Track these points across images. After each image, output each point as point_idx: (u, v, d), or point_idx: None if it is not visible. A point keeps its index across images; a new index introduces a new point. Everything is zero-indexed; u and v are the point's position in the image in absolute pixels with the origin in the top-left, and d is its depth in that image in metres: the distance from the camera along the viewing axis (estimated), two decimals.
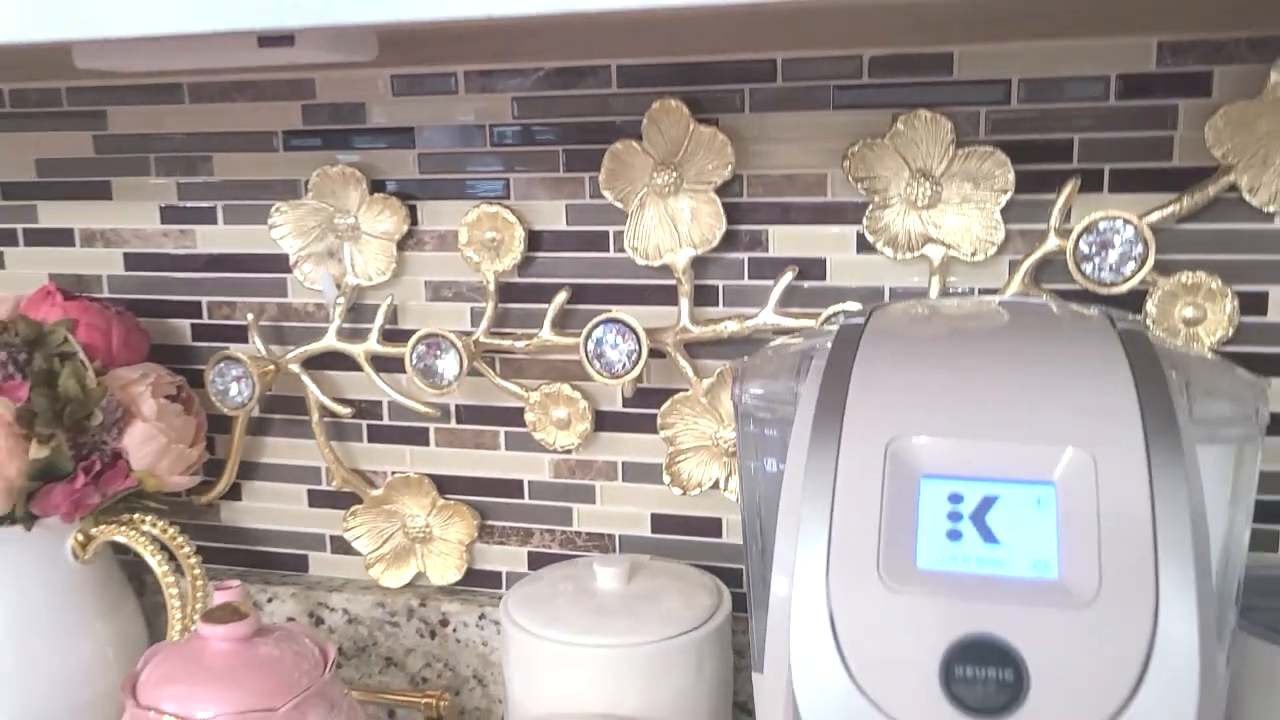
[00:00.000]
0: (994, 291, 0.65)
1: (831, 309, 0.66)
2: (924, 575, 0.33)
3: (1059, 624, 0.31)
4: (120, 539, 0.70)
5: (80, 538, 0.70)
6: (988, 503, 0.34)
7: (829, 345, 0.44)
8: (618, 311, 0.67)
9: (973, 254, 0.63)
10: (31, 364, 0.67)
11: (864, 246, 0.66)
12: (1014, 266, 0.64)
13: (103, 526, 0.70)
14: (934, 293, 0.65)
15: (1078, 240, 0.59)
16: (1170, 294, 0.61)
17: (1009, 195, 0.62)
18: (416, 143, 0.73)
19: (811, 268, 0.68)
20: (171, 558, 0.71)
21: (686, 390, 0.70)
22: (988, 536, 0.34)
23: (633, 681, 0.59)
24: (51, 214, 0.81)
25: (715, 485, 0.71)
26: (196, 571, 0.71)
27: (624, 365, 0.66)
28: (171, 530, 0.71)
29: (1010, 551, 0.33)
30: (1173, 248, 0.61)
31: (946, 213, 0.63)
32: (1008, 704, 0.30)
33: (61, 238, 0.81)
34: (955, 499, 0.34)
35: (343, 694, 0.60)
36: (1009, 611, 0.32)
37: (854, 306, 0.65)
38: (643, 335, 0.66)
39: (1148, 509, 0.32)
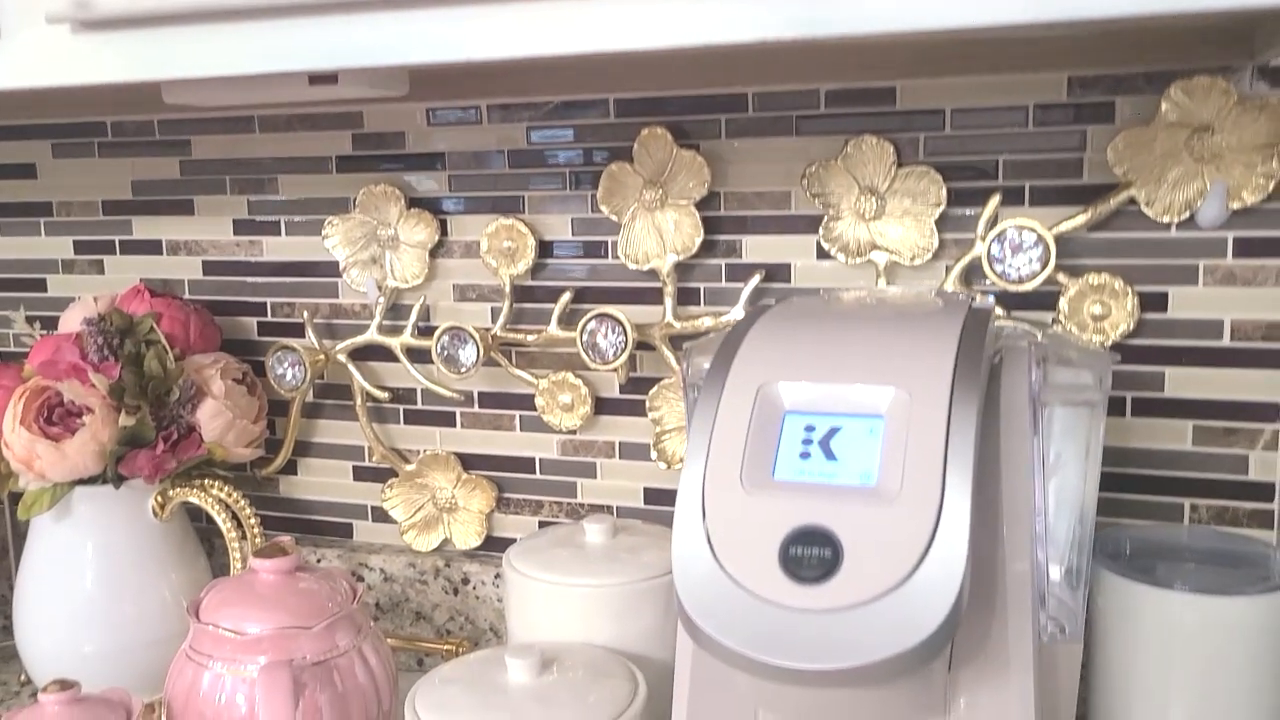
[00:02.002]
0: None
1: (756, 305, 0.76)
2: (777, 484, 0.43)
3: (868, 516, 0.41)
4: (193, 500, 0.83)
5: (159, 498, 0.83)
6: (833, 431, 0.44)
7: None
8: (609, 309, 0.78)
9: (912, 259, 0.73)
10: (123, 348, 0.81)
11: (821, 253, 0.76)
12: (948, 270, 0.73)
13: (178, 489, 0.83)
14: None
15: (990, 245, 0.69)
16: (1080, 293, 0.70)
17: (942, 208, 0.72)
18: (447, 165, 0.85)
19: (778, 271, 0.78)
20: (235, 519, 0.83)
21: (670, 378, 0.80)
22: (829, 455, 0.44)
23: (608, 618, 0.69)
24: (143, 227, 0.95)
25: None
26: (256, 531, 0.83)
27: (614, 353, 0.77)
28: (236, 495, 0.83)
29: (844, 467, 0.43)
30: (1082, 253, 0.70)
31: (890, 223, 0.73)
32: (826, 574, 0.40)
33: (151, 247, 0.95)
34: (809, 429, 0.45)
35: (368, 622, 0.72)
36: (834, 508, 0.42)
37: None
38: (629, 328, 0.77)
39: (943, 434, 0.42)
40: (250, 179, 0.91)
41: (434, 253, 0.86)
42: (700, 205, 0.78)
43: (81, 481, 0.80)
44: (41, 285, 0.99)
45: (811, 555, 0.41)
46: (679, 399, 0.80)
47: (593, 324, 0.78)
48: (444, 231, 0.86)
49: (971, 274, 0.73)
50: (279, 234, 0.91)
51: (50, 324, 0.91)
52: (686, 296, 0.80)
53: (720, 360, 0.48)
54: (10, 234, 0.99)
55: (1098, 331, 0.69)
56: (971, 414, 0.42)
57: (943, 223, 0.73)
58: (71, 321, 0.85)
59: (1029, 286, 0.69)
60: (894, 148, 0.73)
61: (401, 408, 0.90)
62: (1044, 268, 0.68)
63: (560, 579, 0.70)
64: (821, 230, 0.75)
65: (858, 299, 0.55)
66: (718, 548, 0.43)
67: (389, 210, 0.86)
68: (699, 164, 0.77)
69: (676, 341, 0.80)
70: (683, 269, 0.80)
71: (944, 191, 0.72)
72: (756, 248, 0.78)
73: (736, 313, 0.77)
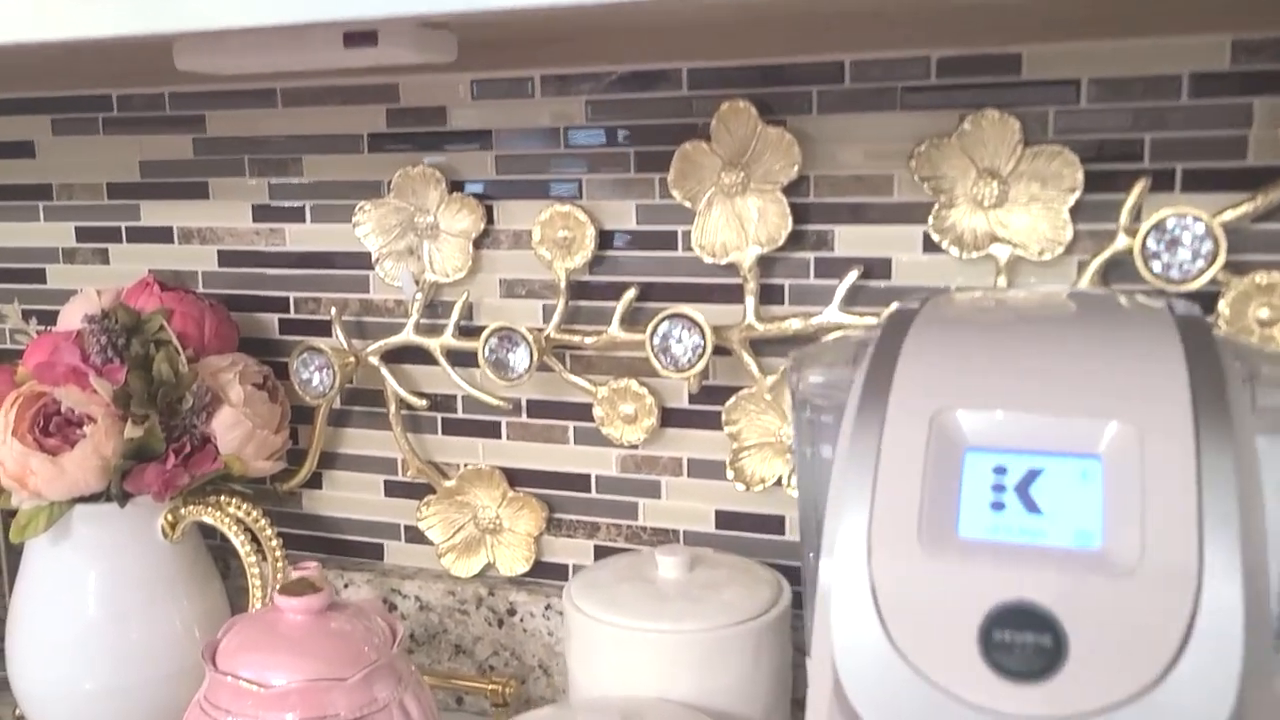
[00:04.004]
0: None
1: (892, 307, 0.66)
2: (965, 544, 0.34)
3: (1100, 591, 0.31)
4: (207, 520, 0.73)
5: (170, 517, 0.74)
6: (1032, 475, 0.34)
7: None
8: (683, 308, 0.68)
9: (1040, 253, 0.63)
10: (129, 349, 0.71)
11: (930, 246, 0.66)
12: (1082, 266, 0.63)
13: (191, 507, 0.74)
14: None
15: (1145, 237, 0.59)
16: (1244, 294, 0.60)
17: (1077, 195, 0.62)
18: (494, 144, 0.75)
19: (876, 267, 0.68)
20: (254, 540, 0.74)
21: (751, 387, 0.71)
22: (1031, 507, 0.34)
23: (689, 667, 0.59)
24: (153, 213, 0.86)
25: (778, 482, 0.71)
26: (278, 554, 0.74)
27: (689, 360, 0.68)
28: (255, 513, 0.74)
29: (1053, 522, 0.34)
30: (1247, 248, 0.60)
31: (1014, 212, 0.63)
32: (1046, 669, 0.31)
33: (161, 235, 0.86)
34: (1000, 471, 0.35)
35: (409, 669, 0.62)
36: (1049, 578, 0.32)
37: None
38: (708, 330, 0.67)
39: (1193, 483, 0.32)
40: (271, 159, 0.81)
41: (478, 243, 0.76)
42: (787, 191, 0.68)
43: (82, 499, 0.71)
44: (39, 276, 0.90)
45: (1025, 643, 0.31)
46: (760, 411, 0.71)
47: (665, 325, 0.68)
48: (490, 219, 0.76)
49: (1111, 271, 0.63)
50: (303, 221, 0.81)
51: (48, 319, 0.82)
52: (768, 295, 0.70)
53: (875, 379, 0.38)
54: (5, 219, 0.90)
55: (1265, 340, 0.59)
56: (1226, 457, 0.32)
57: (1077, 211, 0.63)
58: (72, 318, 0.76)
59: (1193, 286, 0.59)
60: (1020, 124, 0.63)
61: (440, 416, 0.81)
62: (1210, 265, 0.58)
63: (633, 622, 0.60)
64: (931, 219, 0.65)
65: (1031, 302, 0.45)
66: (893, 627, 0.33)
67: (428, 195, 0.76)
68: (787, 142, 0.67)
69: (757, 346, 0.70)
70: (764, 263, 0.70)
71: (1080, 175, 0.62)
72: (851, 239, 0.69)
73: (831, 314, 0.68)
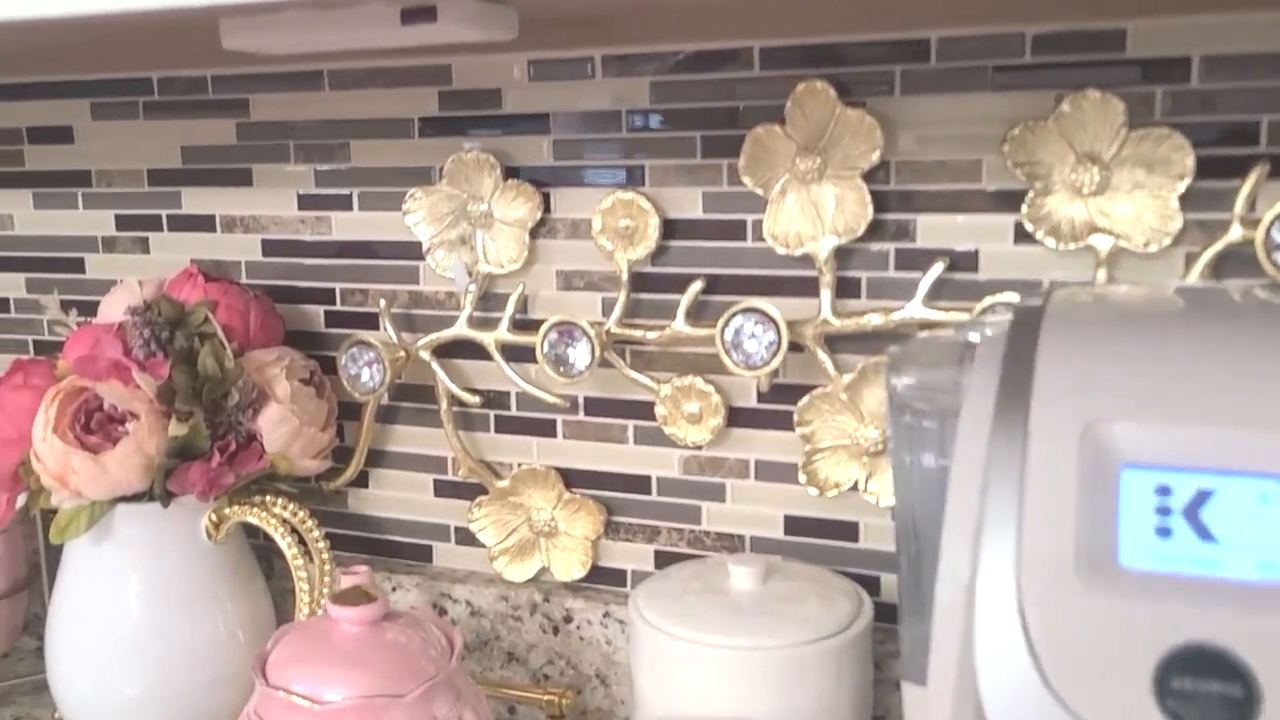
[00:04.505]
0: None
1: (987, 301, 0.62)
2: (1129, 575, 0.30)
3: None
4: (252, 520, 0.70)
5: (214, 517, 0.71)
6: (1202, 497, 0.30)
7: (1002, 330, 0.41)
8: (756, 302, 0.64)
9: (1145, 244, 0.59)
10: (173, 342, 0.68)
11: (1022, 237, 0.62)
12: (1191, 259, 0.59)
13: (235, 507, 0.71)
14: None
15: (1269, 228, 0.54)
16: None
17: (1187, 182, 0.58)
18: (552, 128, 0.72)
19: (962, 259, 0.64)
20: (301, 542, 0.71)
21: (825, 386, 0.67)
22: (1203, 534, 0.30)
23: (768, 686, 0.56)
24: (194, 200, 0.83)
25: (854, 487, 0.67)
26: (325, 556, 0.71)
27: (762, 357, 0.64)
28: (302, 514, 0.71)
29: (1231, 551, 0.30)
30: None
31: (1117, 200, 0.59)
32: None
33: (203, 223, 0.83)
34: (1163, 491, 0.31)
35: (468, 683, 0.59)
36: (1233, 616, 0.28)
37: (1013, 299, 0.61)
38: (783, 326, 0.63)
39: None
40: (318, 144, 0.78)
41: (535, 232, 0.73)
42: (866, 177, 0.64)
43: (124, 499, 0.68)
44: (78, 266, 0.87)
45: (1210, 693, 0.27)
46: (835, 412, 0.67)
47: (738, 320, 0.64)
48: (547, 207, 0.72)
49: (1224, 264, 0.58)
50: (351, 209, 0.78)
51: (87, 311, 0.79)
52: (843, 288, 0.66)
53: (1011, 385, 0.34)
54: (43, 207, 0.87)
55: None
56: None
57: (1187, 200, 0.58)
58: (113, 309, 0.73)
59: None
60: (1124, 105, 0.58)
61: (492, 413, 0.77)
62: None
63: (706, 637, 0.56)
64: (1025, 207, 0.61)
65: (1156, 297, 0.41)
66: (1051, 671, 0.29)
67: (482, 182, 0.73)
68: (868, 125, 0.63)
69: (832, 342, 0.66)
70: (841, 255, 0.66)
71: (1190, 161, 0.57)
72: (934, 229, 0.64)
73: (914, 309, 0.63)
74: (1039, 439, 0.32)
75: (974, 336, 0.46)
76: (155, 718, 0.70)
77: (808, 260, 0.66)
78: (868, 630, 0.59)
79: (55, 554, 0.74)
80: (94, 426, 0.67)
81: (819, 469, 0.68)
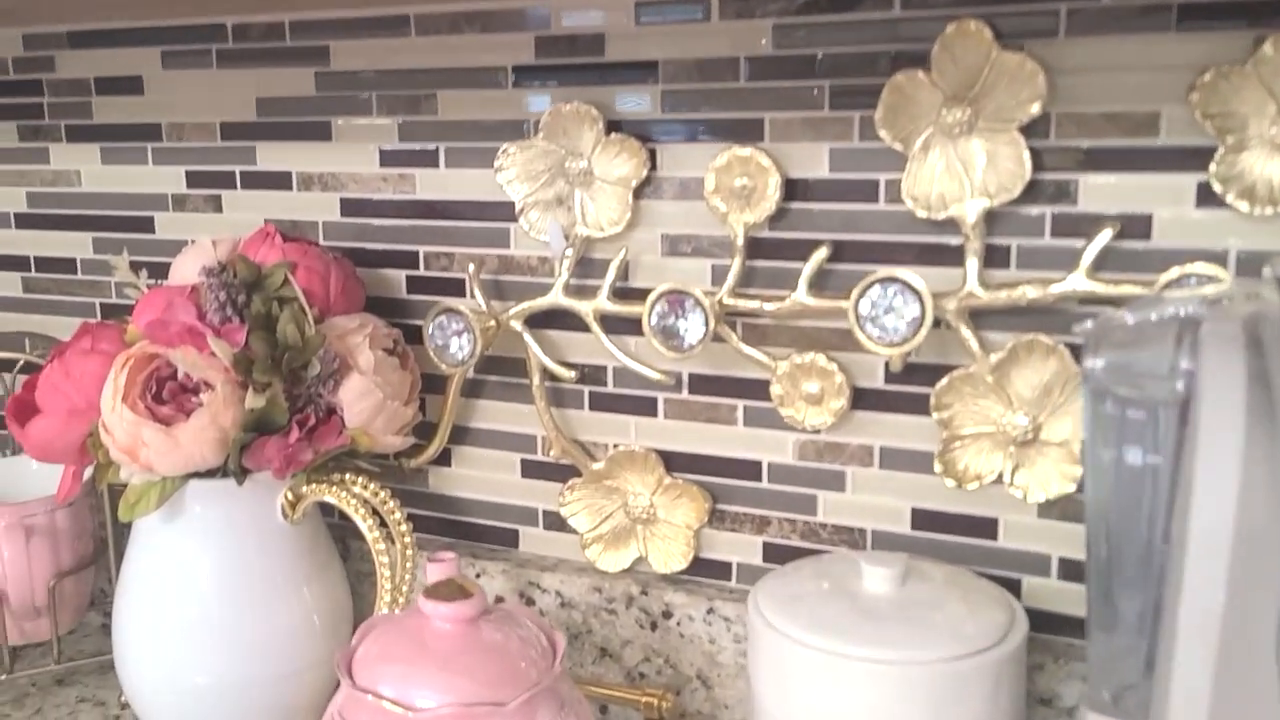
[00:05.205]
0: None
1: (1173, 273, 0.54)
2: None
3: None
4: (330, 500, 0.65)
5: (290, 496, 0.66)
6: None
7: (1237, 309, 0.33)
8: (896, 271, 0.57)
9: None
10: (249, 307, 0.63)
11: (1206, 199, 0.54)
12: None
13: (313, 485, 0.65)
14: None
15: None
16: None
17: None
18: (660, 78, 0.65)
19: (1131, 225, 0.56)
20: (381, 524, 0.65)
21: (968, 366, 0.60)
22: None
23: (916, 705, 0.49)
24: (269, 156, 0.77)
25: (998, 479, 0.60)
26: (407, 540, 0.66)
27: (902, 333, 0.57)
28: (383, 494, 0.66)
29: None
30: None
31: None
32: None
33: (278, 181, 0.77)
34: None
35: (572, 689, 0.53)
36: None
37: (1205, 270, 0.54)
38: (928, 299, 0.56)
39: None
40: (402, 95, 0.72)
41: (639, 192, 0.66)
42: (1024, 131, 0.56)
43: (196, 475, 0.63)
44: (147, 225, 0.82)
45: None
46: (979, 395, 0.60)
47: (876, 290, 0.57)
48: (653, 165, 0.66)
49: None
50: (436, 165, 0.72)
51: (156, 273, 0.74)
52: (990, 257, 0.59)
53: (1265, 376, 0.27)
54: (111, 162, 0.82)
55: None
56: None
57: None
58: (185, 271, 0.68)
59: None
60: None
61: (587, 390, 0.71)
62: None
63: (848, 648, 0.50)
64: (1214, 165, 0.53)
65: None
66: None
67: (582, 136, 0.66)
68: (1029, 71, 0.55)
69: (976, 317, 0.59)
70: (989, 219, 0.58)
71: None
72: (1099, 191, 0.57)
73: (1076, 281, 0.56)
74: None
75: (1192, 312, 0.39)
76: (227, 710, 0.66)
77: (951, 225, 0.59)
78: (1024, 644, 0.52)
79: (123, 529, 0.70)
80: (166, 396, 0.62)
81: (957, 458, 0.61)
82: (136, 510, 0.63)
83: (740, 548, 0.69)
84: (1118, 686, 0.44)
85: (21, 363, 0.81)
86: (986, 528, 0.62)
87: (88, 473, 0.69)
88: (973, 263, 0.58)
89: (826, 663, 0.50)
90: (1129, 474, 0.40)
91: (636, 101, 0.66)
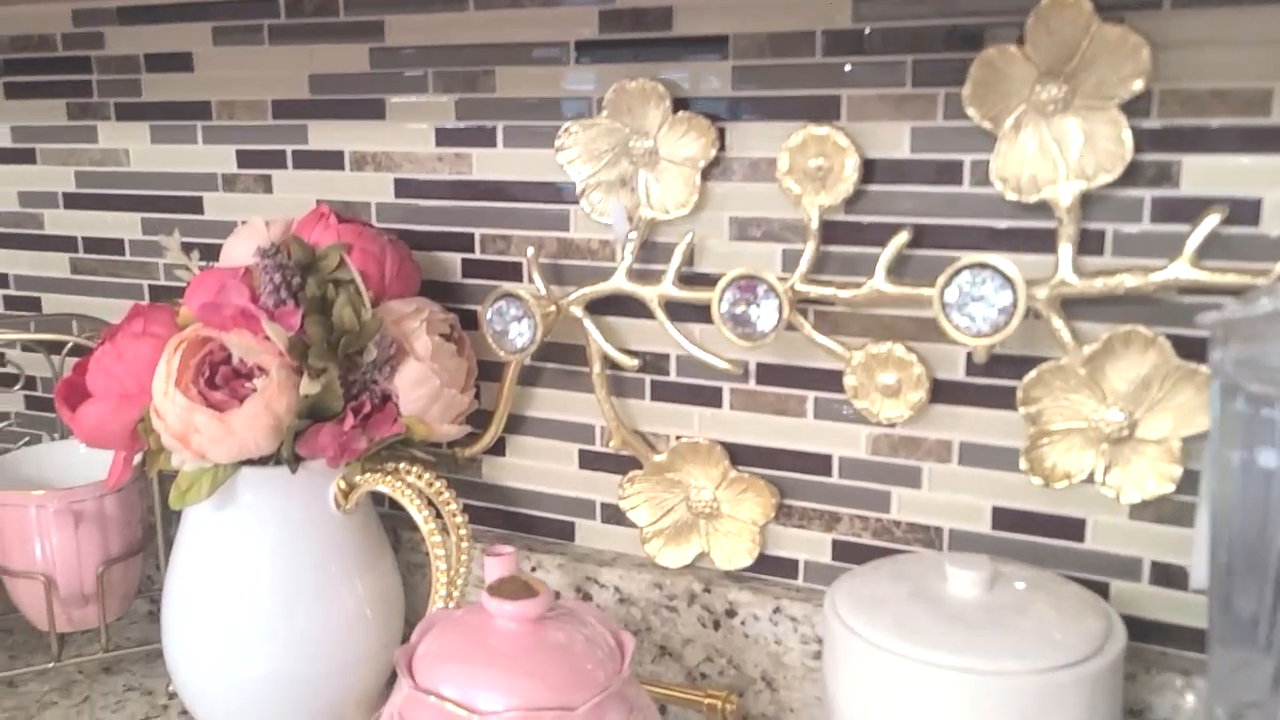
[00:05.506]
0: None
1: None
2: None
3: None
4: (384, 489, 0.63)
5: (343, 485, 0.64)
6: None
7: None
8: (986, 257, 0.54)
9: None
10: (304, 290, 0.61)
11: None
12: None
13: (367, 475, 0.63)
14: None
15: None
16: None
17: None
18: (731, 53, 0.62)
19: (1239, 211, 0.53)
20: (436, 515, 0.63)
21: (1058, 359, 0.56)
22: None
23: (1007, 717, 0.46)
24: (322, 135, 0.75)
25: (1089, 478, 0.57)
26: (462, 532, 0.63)
27: (993, 323, 0.54)
28: (438, 484, 0.63)
29: None
30: None
31: None
32: None
33: (331, 160, 0.75)
34: None
35: (640, 693, 0.51)
36: None
37: None
38: (1021, 287, 0.53)
39: None
40: (460, 72, 0.69)
41: (707, 173, 0.63)
42: (1125, 109, 0.53)
43: (249, 462, 0.61)
44: (196, 205, 0.81)
45: None
46: (1070, 390, 0.56)
47: (965, 277, 0.54)
48: (722, 145, 0.63)
49: None
50: (494, 145, 0.70)
51: (206, 255, 0.72)
52: (1084, 243, 0.56)
53: None
54: (161, 140, 0.81)
55: None
56: None
57: None
58: (236, 252, 0.66)
59: None
60: None
61: (649, 378, 0.68)
62: None
63: (938, 656, 0.47)
64: None
65: None
66: None
67: (647, 114, 0.64)
68: (1132, 45, 0.52)
69: (1068, 307, 0.56)
70: (1085, 202, 0.55)
71: None
72: (1204, 173, 0.53)
73: (1179, 269, 0.53)
74: None
75: None
76: (279, 704, 0.64)
77: (1043, 209, 0.56)
78: (1122, 654, 0.49)
79: (172, 515, 0.68)
80: (219, 381, 0.60)
81: (1045, 455, 0.58)
82: (188, 498, 0.61)
83: (808, 545, 0.66)
84: (1237, 704, 0.41)
85: (70, 345, 0.80)
86: (1073, 529, 0.59)
87: (137, 458, 0.67)
88: (1066, 248, 0.55)
89: (912, 670, 0.47)
90: (1260, 477, 0.37)
91: (705, 78, 0.63)
